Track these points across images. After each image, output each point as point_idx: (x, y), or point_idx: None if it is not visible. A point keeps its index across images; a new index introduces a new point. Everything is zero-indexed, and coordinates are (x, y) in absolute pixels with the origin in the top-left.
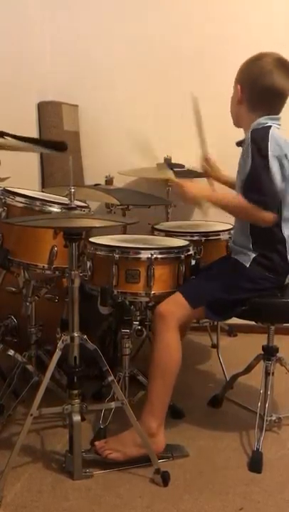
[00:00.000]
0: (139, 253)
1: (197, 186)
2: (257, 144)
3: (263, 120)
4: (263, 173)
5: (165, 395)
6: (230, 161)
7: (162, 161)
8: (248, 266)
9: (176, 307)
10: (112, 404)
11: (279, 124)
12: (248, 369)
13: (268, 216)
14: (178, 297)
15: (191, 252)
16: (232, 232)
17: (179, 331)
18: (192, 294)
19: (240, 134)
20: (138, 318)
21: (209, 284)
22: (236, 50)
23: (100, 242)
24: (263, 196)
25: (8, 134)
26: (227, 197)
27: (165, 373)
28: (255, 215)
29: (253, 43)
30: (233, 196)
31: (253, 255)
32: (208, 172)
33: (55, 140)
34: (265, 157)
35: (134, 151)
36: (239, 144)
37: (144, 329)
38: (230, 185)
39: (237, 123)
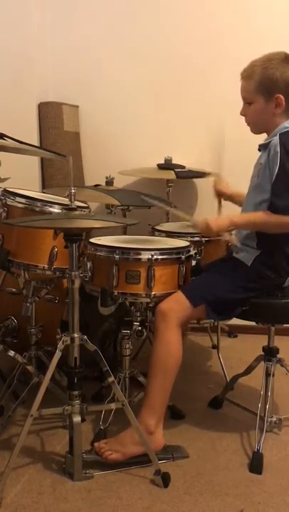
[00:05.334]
0: (140, 254)
1: (219, 219)
2: (287, 149)
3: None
4: None
5: (164, 392)
6: (232, 163)
7: (163, 161)
8: (249, 264)
9: (177, 305)
10: (113, 405)
11: None
12: (249, 370)
13: None
14: (179, 295)
15: (192, 252)
16: (233, 232)
17: (180, 329)
18: (193, 292)
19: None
20: (138, 319)
21: (210, 282)
22: (237, 50)
23: (101, 243)
24: None
25: (8, 137)
26: (251, 217)
27: (165, 371)
28: (285, 224)
29: (255, 43)
30: (256, 215)
31: (256, 254)
32: (220, 192)
33: (56, 152)
34: None
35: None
36: (262, 147)
37: (144, 330)
38: (235, 199)
39: (261, 131)
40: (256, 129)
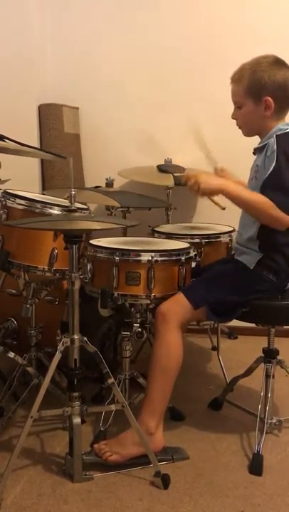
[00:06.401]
0: (140, 255)
1: (211, 178)
2: (284, 150)
3: (283, 126)
4: (287, 174)
5: (165, 394)
6: (232, 164)
7: (163, 163)
8: (252, 268)
9: (177, 307)
10: (112, 407)
11: None
12: (249, 372)
13: (287, 219)
14: (180, 297)
15: (192, 254)
16: (233, 233)
17: (181, 330)
18: (194, 294)
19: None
20: (138, 320)
21: (211, 284)
22: (236, 51)
23: (101, 245)
24: (287, 197)
25: (8, 139)
26: (246, 191)
27: (165, 372)
28: (274, 215)
29: (255, 44)
30: (252, 192)
31: (258, 257)
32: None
33: (56, 153)
34: None
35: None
36: (257, 150)
37: (144, 331)
38: None
39: (253, 133)
40: (248, 132)
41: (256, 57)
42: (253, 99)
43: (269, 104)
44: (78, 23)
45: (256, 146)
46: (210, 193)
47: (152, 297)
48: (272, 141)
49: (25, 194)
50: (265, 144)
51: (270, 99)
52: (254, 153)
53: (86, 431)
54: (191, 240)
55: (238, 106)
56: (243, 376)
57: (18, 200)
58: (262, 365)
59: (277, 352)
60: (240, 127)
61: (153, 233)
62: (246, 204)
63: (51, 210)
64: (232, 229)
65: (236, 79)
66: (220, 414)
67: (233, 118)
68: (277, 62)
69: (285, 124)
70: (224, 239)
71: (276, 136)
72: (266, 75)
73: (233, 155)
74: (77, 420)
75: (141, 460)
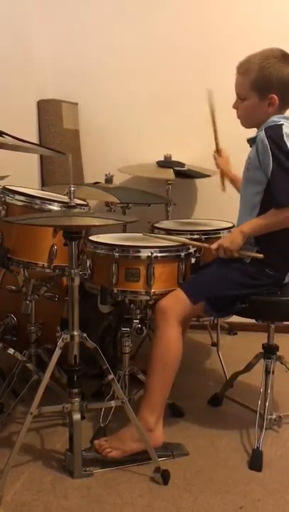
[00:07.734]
0: (139, 252)
1: (230, 237)
2: (276, 142)
3: (276, 118)
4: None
5: (164, 389)
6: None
7: (162, 158)
8: (247, 261)
9: (176, 302)
10: (112, 403)
11: None
12: (248, 367)
13: None
14: (178, 292)
15: (191, 250)
16: (232, 230)
17: (180, 326)
18: (192, 289)
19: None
20: (138, 316)
21: (209, 279)
22: (238, 47)
23: (100, 241)
24: None
25: (8, 134)
26: (259, 222)
27: (165, 368)
28: (287, 220)
29: (254, 41)
30: (264, 217)
31: (254, 250)
32: (219, 164)
33: (55, 149)
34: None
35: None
36: (250, 141)
37: (144, 328)
38: (236, 184)
39: (252, 126)
40: (247, 124)
41: (262, 50)
42: (258, 94)
43: (274, 102)
44: (78, 19)
45: (249, 137)
46: (239, 245)
47: (152, 293)
48: (262, 134)
49: (24, 190)
50: (257, 136)
51: (275, 97)
52: (250, 146)
53: (86, 427)
54: (191, 236)
55: (241, 97)
56: (243, 372)
57: (17, 197)
58: (262, 361)
59: (277, 348)
60: (239, 118)
61: (152, 229)
62: (269, 229)
63: (50, 207)
64: (232, 225)
65: (243, 71)
66: (220, 410)
67: (234, 108)
68: (284, 57)
69: (279, 116)
70: (224, 235)
71: (265, 128)
72: (275, 71)
73: (235, 150)
74: (77, 416)
75: (141, 456)
